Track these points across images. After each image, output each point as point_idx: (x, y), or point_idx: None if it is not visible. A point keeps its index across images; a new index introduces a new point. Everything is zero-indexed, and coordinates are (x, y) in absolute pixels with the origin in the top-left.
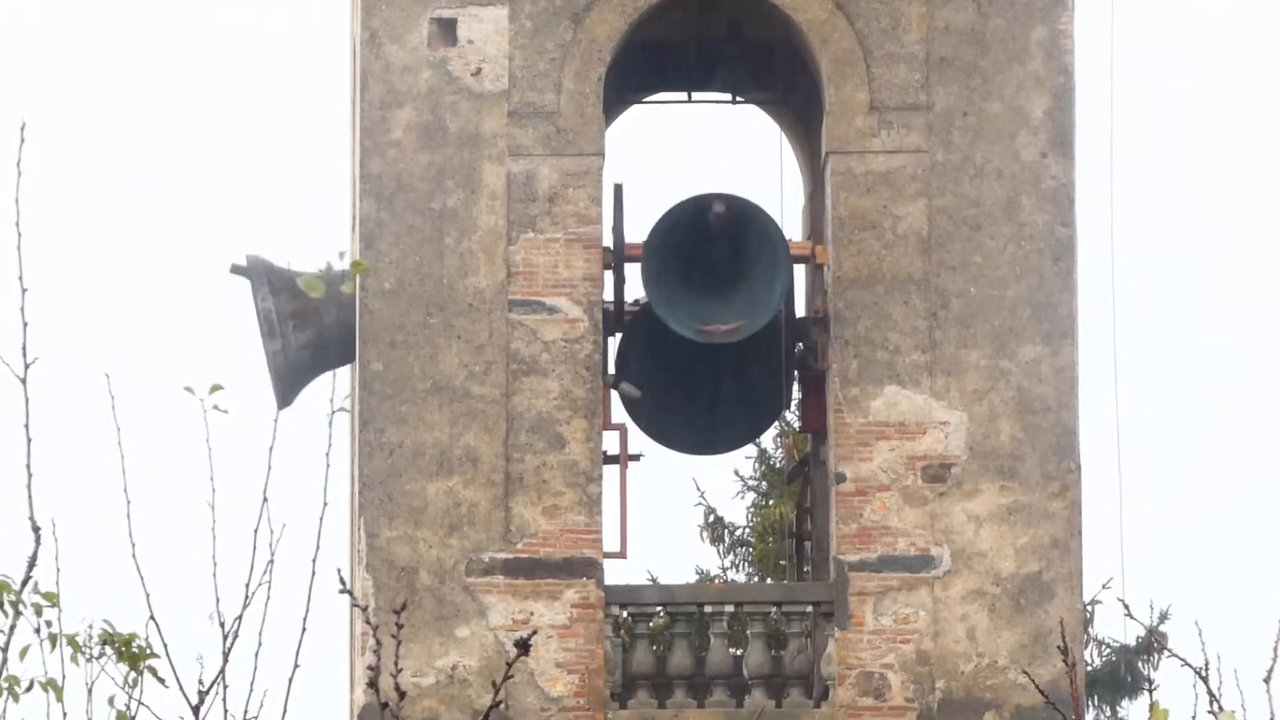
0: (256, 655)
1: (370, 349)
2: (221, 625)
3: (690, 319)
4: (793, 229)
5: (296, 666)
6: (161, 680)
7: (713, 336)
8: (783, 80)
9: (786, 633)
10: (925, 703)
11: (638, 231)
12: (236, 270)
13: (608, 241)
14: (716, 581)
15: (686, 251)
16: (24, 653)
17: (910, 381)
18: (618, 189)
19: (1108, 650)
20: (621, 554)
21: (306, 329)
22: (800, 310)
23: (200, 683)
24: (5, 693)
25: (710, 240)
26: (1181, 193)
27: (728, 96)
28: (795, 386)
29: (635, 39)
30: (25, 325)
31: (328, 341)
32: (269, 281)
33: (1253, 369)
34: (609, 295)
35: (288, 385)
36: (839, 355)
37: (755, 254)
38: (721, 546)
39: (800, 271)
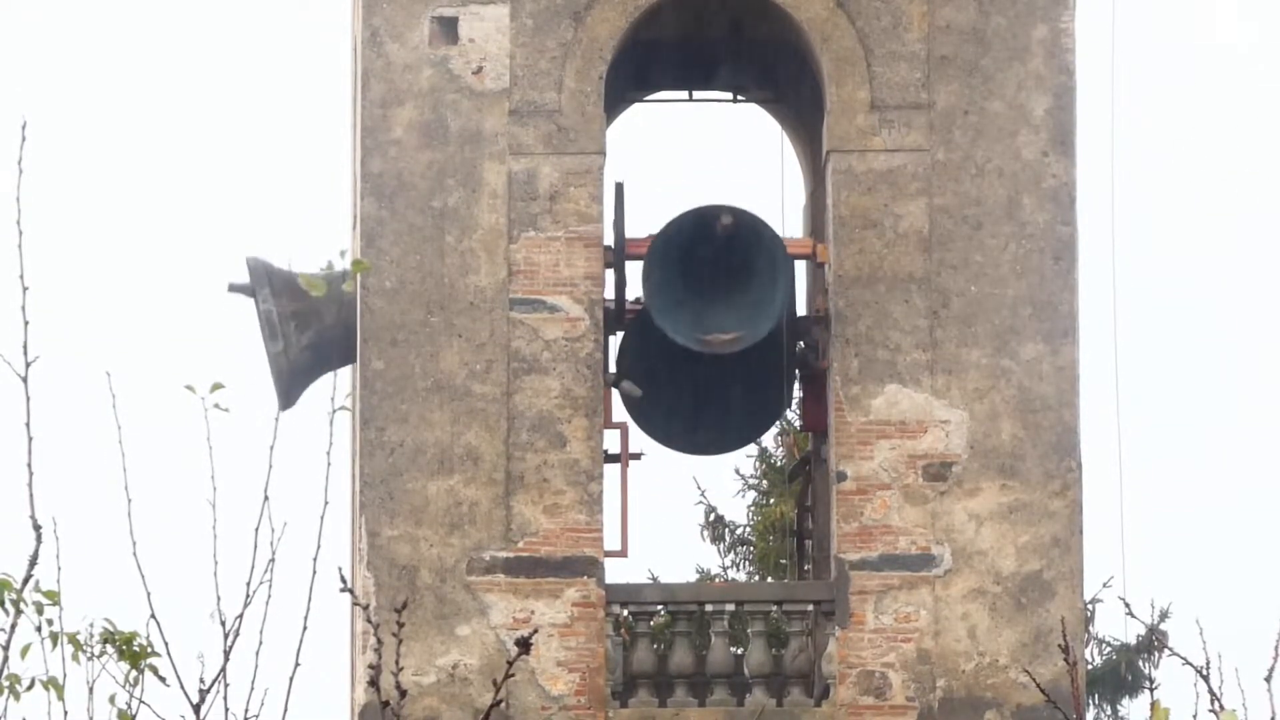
0: (257, 654)
1: (371, 347)
2: (222, 624)
3: (691, 328)
4: (793, 228)
5: (297, 665)
6: (162, 679)
7: (713, 346)
8: (784, 79)
9: (787, 631)
10: (926, 702)
11: (639, 229)
12: (235, 288)
13: (609, 240)
14: (717, 580)
15: (689, 261)
16: (25, 651)
17: (911, 380)
18: (619, 188)
19: (1109, 649)
20: (622, 553)
21: (308, 330)
22: (801, 309)
23: (201, 681)
24: (6, 691)
25: (713, 251)
26: (1182, 191)
27: (729, 95)
28: (796, 385)
29: (636, 37)
30: (26, 324)
31: (329, 341)
32: (270, 283)
33: (1254, 368)
34: (610, 294)
35: (290, 386)
36: (840, 354)
37: (758, 265)
38: (722, 545)
39: (801, 270)
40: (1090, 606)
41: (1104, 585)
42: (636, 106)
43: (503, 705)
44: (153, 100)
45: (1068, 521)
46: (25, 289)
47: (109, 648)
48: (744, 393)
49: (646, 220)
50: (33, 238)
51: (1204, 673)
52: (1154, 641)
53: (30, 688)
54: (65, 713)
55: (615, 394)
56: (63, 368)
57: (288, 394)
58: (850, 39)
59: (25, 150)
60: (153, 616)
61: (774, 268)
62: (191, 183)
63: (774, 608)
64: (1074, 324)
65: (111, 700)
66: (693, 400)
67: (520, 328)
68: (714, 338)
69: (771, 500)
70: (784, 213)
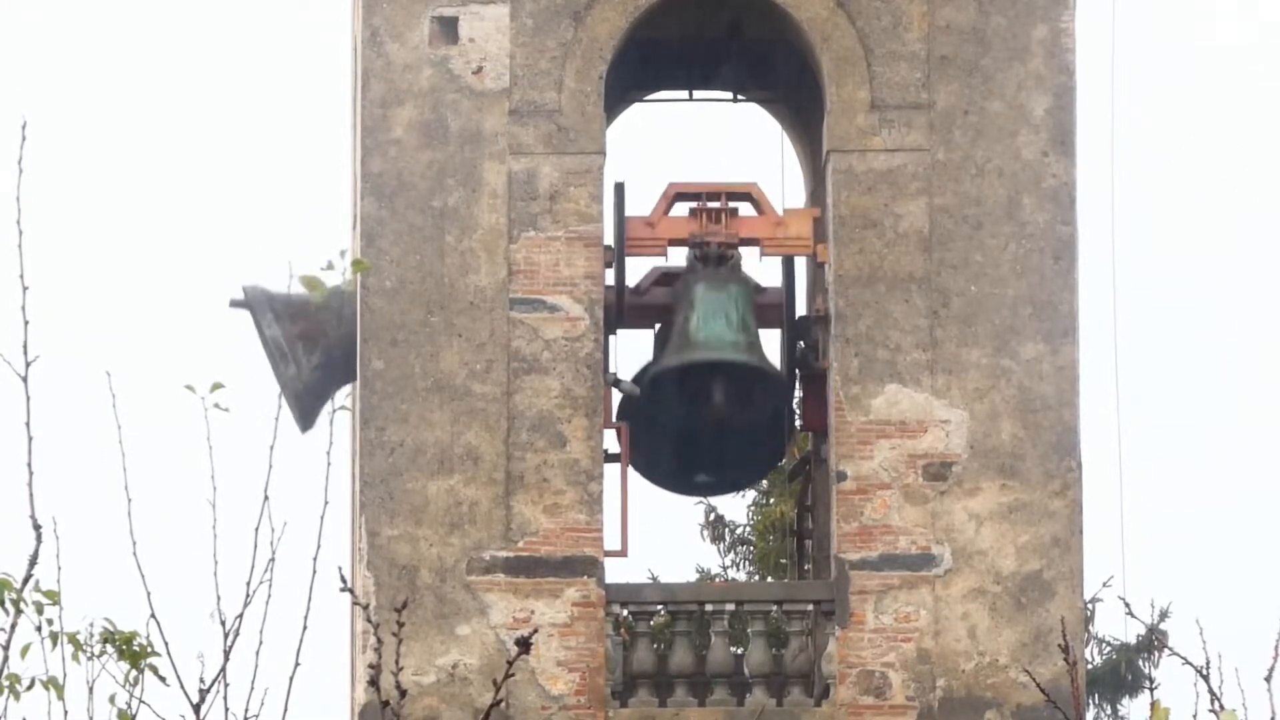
0: (257, 653)
1: (371, 347)
2: (222, 623)
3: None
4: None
5: (297, 665)
6: (162, 679)
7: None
8: (784, 79)
9: (787, 631)
10: (926, 701)
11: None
12: (236, 304)
13: (609, 240)
14: (717, 580)
15: (681, 403)
16: (25, 651)
17: (911, 380)
18: (619, 187)
19: (1109, 649)
20: (622, 552)
21: (315, 349)
22: (801, 309)
23: (201, 681)
24: (6, 691)
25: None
26: (1183, 191)
27: (729, 95)
28: (796, 385)
29: (636, 37)
30: (26, 323)
31: (336, 358)
32: (271, 308)
33: (1254, 367)
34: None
35: (307, 407)
36: (840, 354)
37: (756, 409)
38: (722, 545)
39: (801, 269)
40: (1090, 606)
41: (1104, 585)
42: (636, 106)
43: (503, 705)
44: (153, 100)
45: (1068, 521)
46: (25, 289)
47: (109, 647)
48: (742, 443)
49: (645, 210)
50: (33, 238)
51: (1204, 672)
52: (1154, 641)
53: (30, 687)
54: (65, 712)
55: (615, 394)
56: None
57: (306, 416)
58: (850, 39)
59: (25, 150)
60: (153, 616)
61: (772, 414)
62: (192, 182)
63: (774, 607)
64: (1074, 324)
65: (111, 700)
66: (689, 453)
67: (520, 327)
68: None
69: (771, 500)
70: (783, 209)
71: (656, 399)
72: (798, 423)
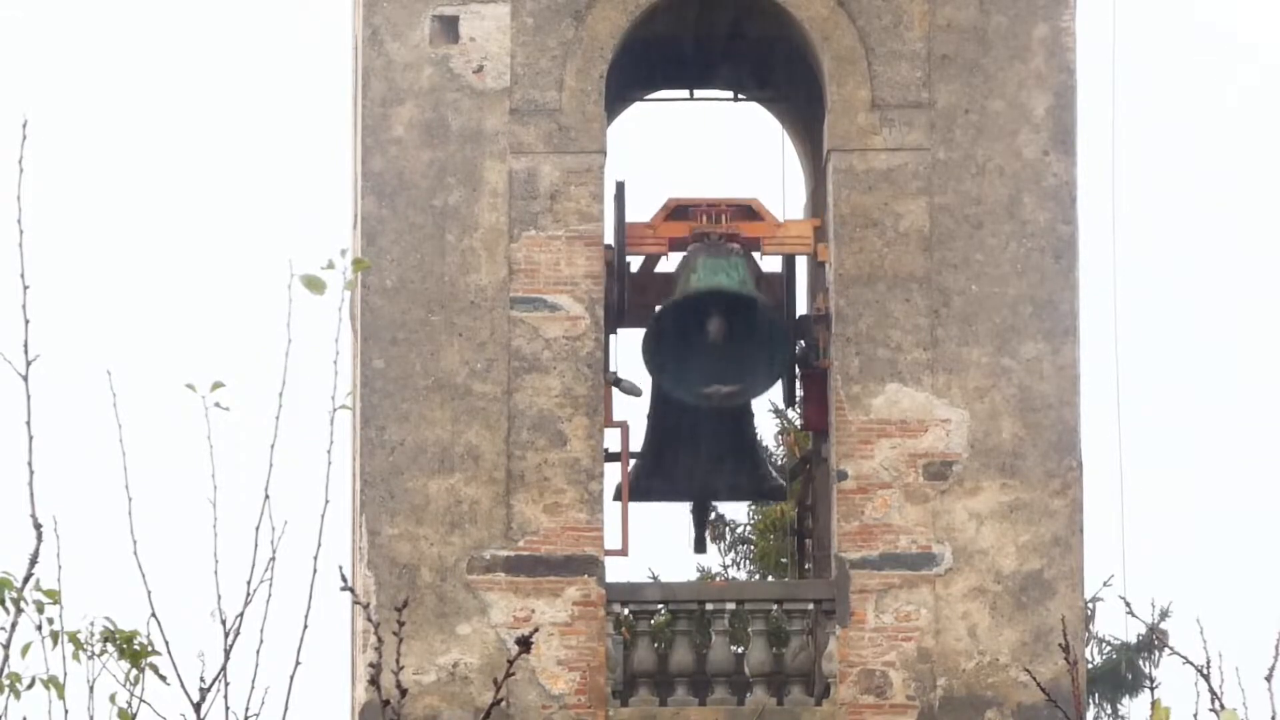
0: (258, 652)
1: (372, 346)
2: (223, 622)
3: (692, 384)
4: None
5: (298, 664)
6: (163, 677)
7: (713, 400)
8: (784, 78)
9: (788, 630)
10: (926, 700)
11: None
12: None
13: (609, 239)
14: (718, 579)
15: (689, 333)
16: (25, 650)
17: (912, 379)
18: (619, 186)
19: (1109, 648)
20: (623, 551)
21: None
22: (802, 308)
23: (202, 680)
24: (7, 690)
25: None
26: (1183, 190)
27: (729, 94)
28: (797, 384)
29: (637, 36)
30: (27, 322)
31: None
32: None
33: (1254, 367)
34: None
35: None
36: (841, 353)
37: (756, 335)
38: (723, 544)
39: (802, 268)
40: (1091, 605)
41: (1104, 584)
42: (637, 105)
43: (503, 704)
44: (153, 99)
45: (1068, 520)
46: (26, 287)
47: (109, 646)
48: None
49: (646, 213)
50: (33, 237)
51: (1204, 672)
52: (1154, 640)
53: (31, 686)
54: (66, 711)
55: (615, 393)
56: (63, 366)
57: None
58: (851, 38)
59: (25, 150)
60: (153, 615)
61: (771, 340)
62: (192, 182)
63: (774, 606)
64: (1074, 323)
65: (112, 699)
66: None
67: (521, 326)
68: (714, 390)
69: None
70: (784, 211)
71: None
72: (799, 344)
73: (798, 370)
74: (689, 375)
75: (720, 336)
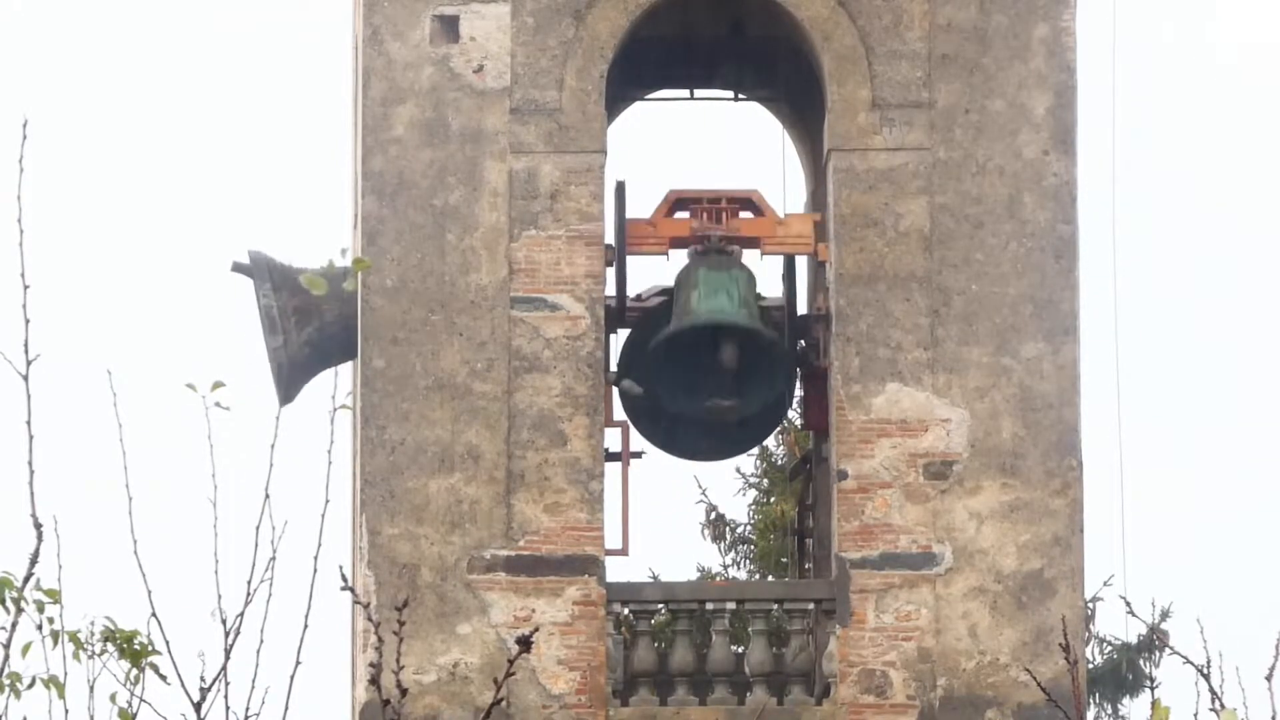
0: (258, 652)
1: (372, 346)
2: (223, 622)
3: (695, 399)
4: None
5: (298, 664)
6: (163, 677)
7: (713, 414)
8: (785, 77)
9: (788, 630)
10: (927, 700)
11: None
12: (238, 268)
13: (610, 238)
14: (718, 579)
15: (691, 353)
16: (26, 649)
17: (912, 379)
18: (620, 186)
19: (1109, 648)
20: (623, 551)
21: (308, 325)
22: (802, 307)
23: (202, 680)
24: (7, 689)
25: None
26: (1184, 190)
27: (730, 94)
28: (797, 384)
29: (637, 36)
30: (27, 322)
31: (329, 337)
32: (271, 278)
33: (1255, 366)
34: (611, 291)
35: (290, 381)
36: (841, 352)
37: (761, 362)
38: (723, 544)
39: (802, 268)
40: (1091, 605)
41: (1105, 584)
42: (637, 105)
43: (503, 704)
44: (153, 99)
45: (1068, 520)
46: (26, 287)
47: (110, 646)
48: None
49: (646, 209)
50: (34, 236)
51: (1205, 672)
52: (1155, 640)
53: (31, 686)
54: (66, 711)
55: (616, 392)
56: (64, 366)
57: (287, 389)
58: (851, 37)
59: (26, 149)
60: (153, 615)
61: (773, 363)
62: (193, 182)
63: (775, 606)
64: (1075, 323)
65: (112, 699)
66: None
67: (521, 326)
68: (715, 404)
69: (772, 499)
70: (785, 211)
71: (661, 360)
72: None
73: (798, 370)
74: (692, 391)
75: (734, 364)
